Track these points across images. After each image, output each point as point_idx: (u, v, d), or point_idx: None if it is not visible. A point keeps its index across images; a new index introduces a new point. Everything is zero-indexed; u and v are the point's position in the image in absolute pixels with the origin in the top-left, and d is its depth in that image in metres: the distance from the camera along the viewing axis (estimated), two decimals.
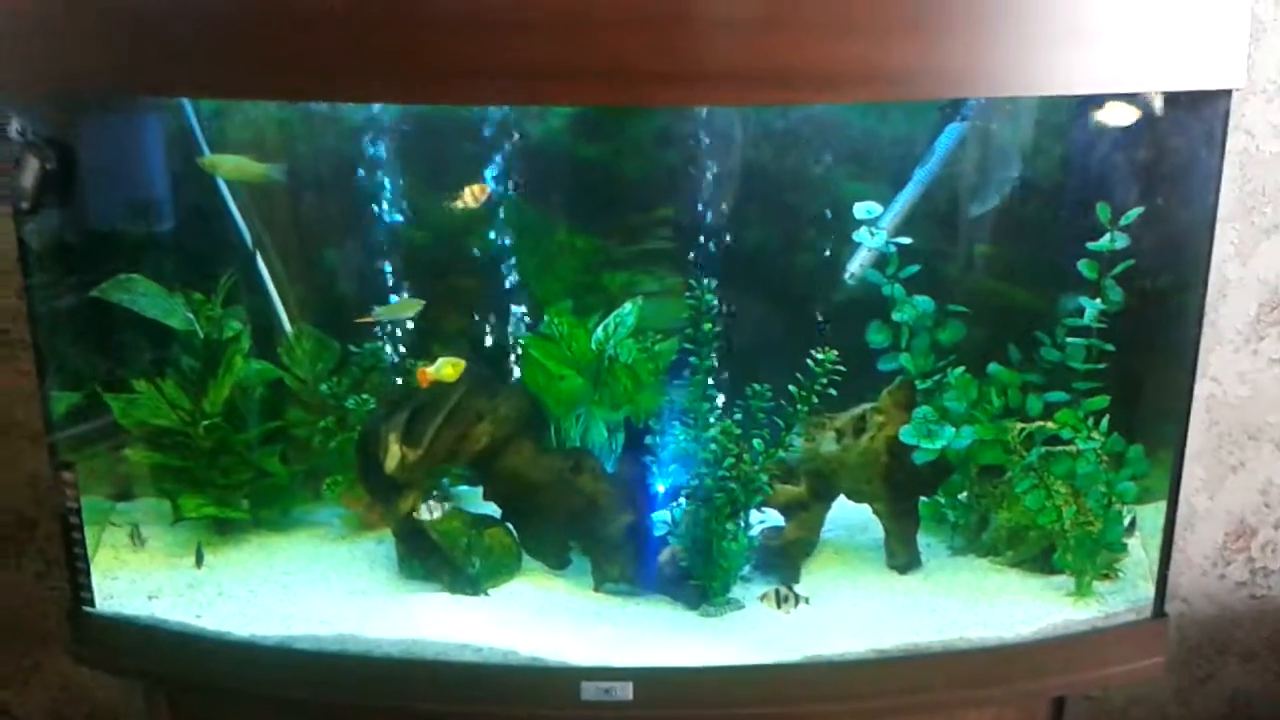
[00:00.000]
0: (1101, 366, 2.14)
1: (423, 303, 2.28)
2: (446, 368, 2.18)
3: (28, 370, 2.61)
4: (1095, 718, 2.88)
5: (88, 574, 2.16)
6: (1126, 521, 2.19)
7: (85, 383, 2.27)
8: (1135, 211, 2.07)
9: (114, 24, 1.79)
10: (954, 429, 2.16)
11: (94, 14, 1.80)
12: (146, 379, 2.28)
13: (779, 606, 2.08)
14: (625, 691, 1.98)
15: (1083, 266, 2.13)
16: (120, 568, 2.26)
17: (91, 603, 2.16)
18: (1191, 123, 2.00)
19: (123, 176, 2.25)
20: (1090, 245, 2.12)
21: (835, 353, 2.08)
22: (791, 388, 2.10)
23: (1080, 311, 2.16)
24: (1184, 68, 1.81)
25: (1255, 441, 2.73)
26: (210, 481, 2.33)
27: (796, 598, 2.08)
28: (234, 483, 2.35)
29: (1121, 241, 2.09)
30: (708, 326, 2.13)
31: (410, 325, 2.38)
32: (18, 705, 2.96)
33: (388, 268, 2.37)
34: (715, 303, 2.14)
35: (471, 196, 2.19)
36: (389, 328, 2.39)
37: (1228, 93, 1.91)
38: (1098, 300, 2.15)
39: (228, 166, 2.22)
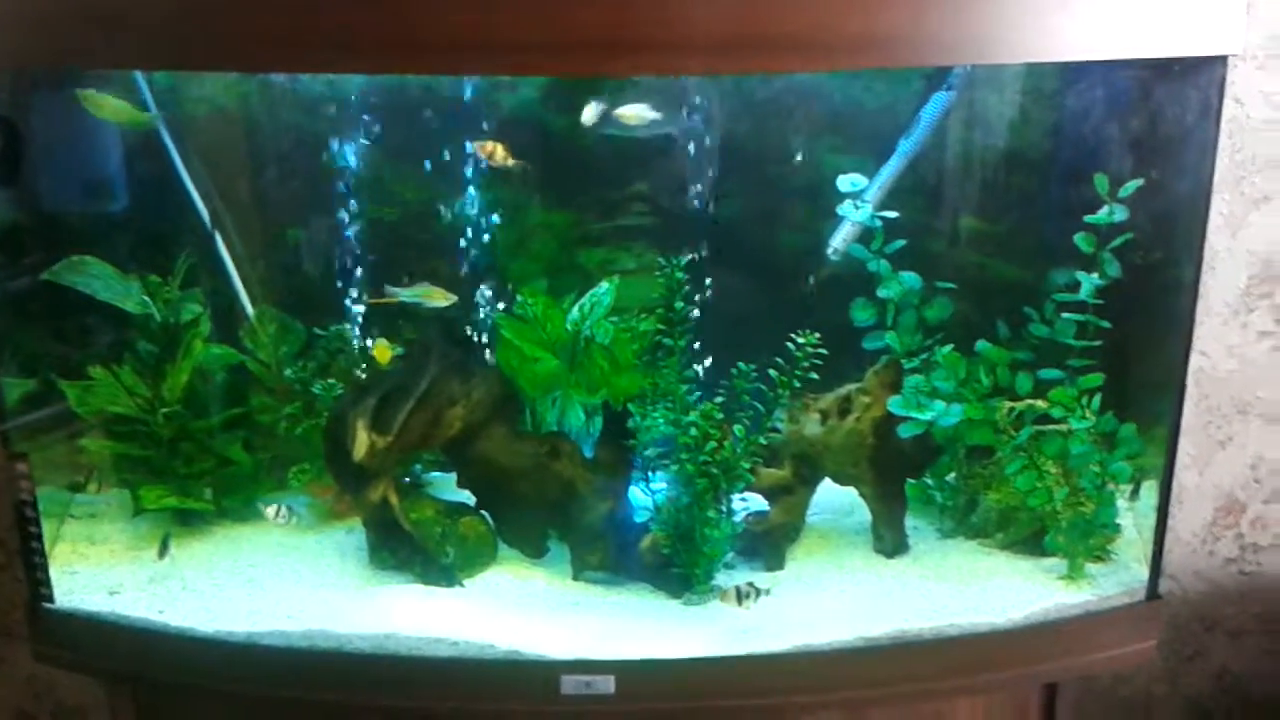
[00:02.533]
0: (1097, 343, 2.08)
1: (454, 298, 2.20)
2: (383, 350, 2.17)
3: None
4: (1082, 697, 2.85)
5: (45, 569, 2.08)
6: (1127, 495, 2.14)
7: (39, 369, 2.19)
8: (1134, 184, 2.01)
9: None
10: (943, 404, 2.10)
11: None
12: (103, 365, 2.20)
13: (740, 603, 2.03)
14: (607, 684, 1.93)
15: (1080, 240, 2.06)
16: (80, 561, 2.18)
17: (50, 598, 2.09)
18: (1186, 90, 1.94)
19: (74, 155, 2.17)
20: (1088, 218, 2.05)
21: (817, 335, 2.02)
22: (772, 371, 2.03)
23: (1071, 287, 2.10)
24: (1179, 33, 1.75)
25: (1244, 416, 2.69)
26: (171, 471, 2.25)
27: (756, 591, 2.03)
28: (196, 472, 2.27)
29: (1120, 214, 2.03)
30: (680, 306, 2.06)
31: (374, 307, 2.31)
32: None
33: (355, 247, 2.30)
34: (692, 280, 2.07)
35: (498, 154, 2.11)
36: (355, 312, 2.31)
37: (1224, 59, 1.85)
38: (1094, 275, 2.08)
39: (108, 108, 2.11)
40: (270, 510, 2.20)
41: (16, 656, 2.84)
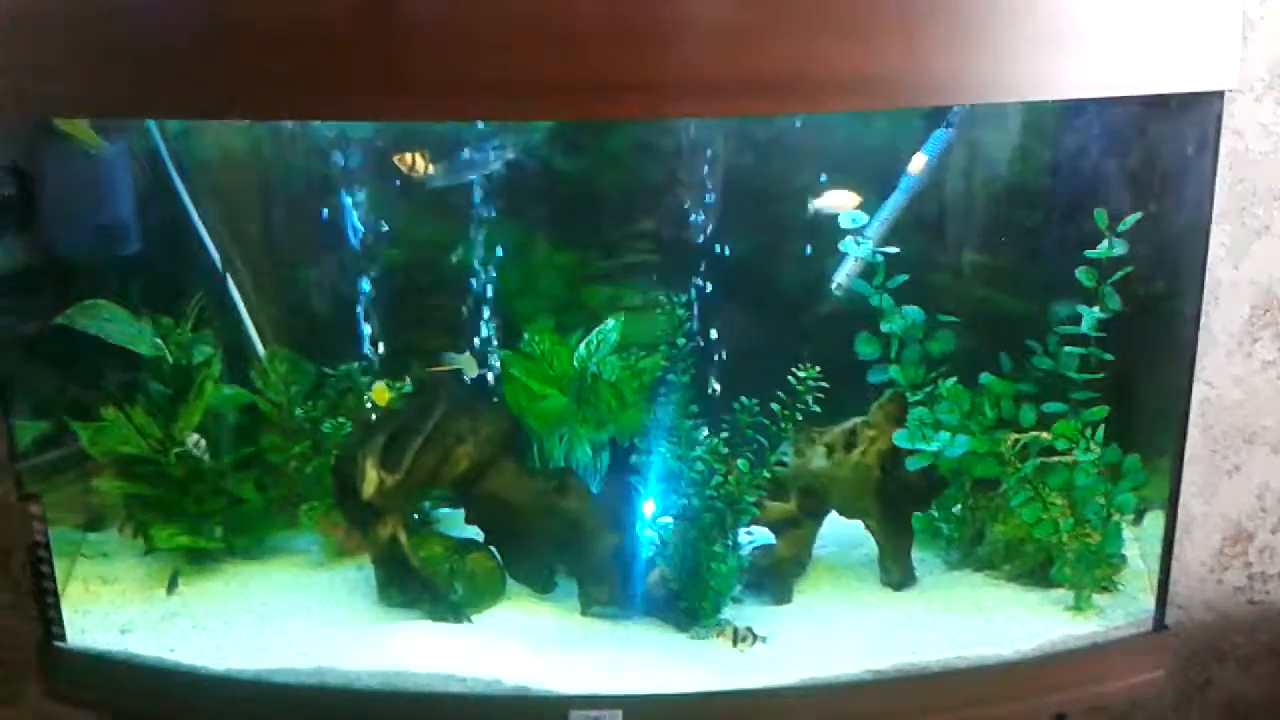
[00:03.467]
0: (1100, 375, 2.09)
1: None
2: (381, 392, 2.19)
3: None
4: None
5: (57, 607, 2.10)
6: (1133, 526, 2.14)
7: (52, 411, 2.21)
8: (1133, 217, 2.02)
9: (84, 46, 1.73)
10: (949, 435, 2.11)
11: (60, 36, 1.74)
12: (115, 406, 2.22)
13: (735, 645, 2.03)
14: (615, 719, 1.92)
15: (1081, 274, 2.08)
16: (92, 601, 2.20)
17: (63, 637, 2.10)
18: (1183, 125, 1.96)
19: (87, 200, 2.19)
20: (1089, 253, 2.07)
21: (817, 368, 2.03)
22: (774, 405, 2.04)
23: (1074, 320, 2.11)
24: (1174, 69, 1.77)
25: (1250, 445, 2.69)
26: (183, 510, 2.27)
27: (754, 636, 2.02)
28: (207, 511, 2.29)
29: (1120, 248, 2.04)
30: (682, 342, 2.08)
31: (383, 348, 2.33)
32: None
33: (364, 287, 2.32)
34: (696, 317, 2.09)
35: (418, 164, 2.12)
36: (367, 350, 2.33)
37: (1220, 94, 1.87)
38: (1095, 308, 2.09)
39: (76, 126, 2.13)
40: (191, 439, 2.20)
41: (29, 695, 2.85)
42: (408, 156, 2.12)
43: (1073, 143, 2.20)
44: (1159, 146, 2.05)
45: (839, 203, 2.16)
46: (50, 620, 2.09)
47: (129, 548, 2.30)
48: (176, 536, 2.24)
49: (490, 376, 2.27)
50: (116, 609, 2.17)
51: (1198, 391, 2.61)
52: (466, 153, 2.21)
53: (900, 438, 2.13)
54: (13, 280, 2.12)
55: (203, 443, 2.21)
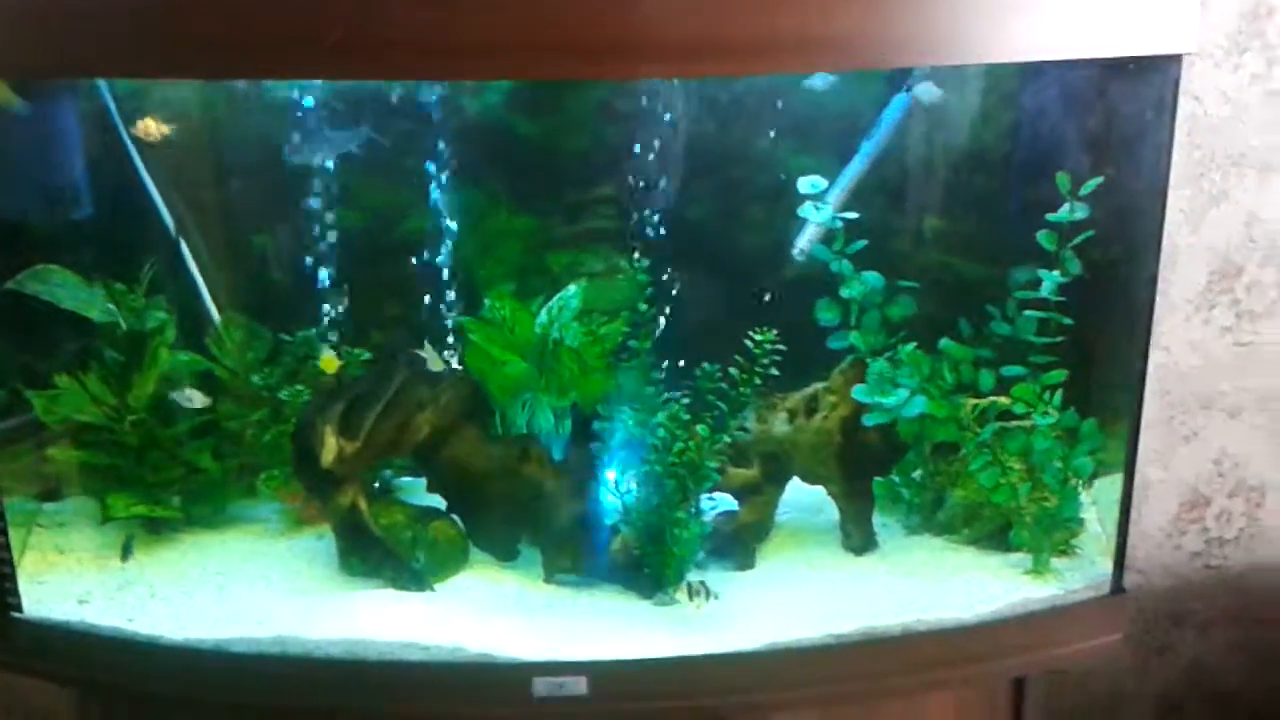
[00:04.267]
0: (1059, 340, 2.10)
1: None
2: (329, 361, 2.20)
3: None
4: (1052, 692, 2.87)
5: (14, 578, 2.07)
6: (1090, 490, 2.16)
7: (5, 379, 2.17)
8: (1095, 181, 2.03)
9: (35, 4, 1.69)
10: (904, 391, 2.11)
11: None
12: (68, 374, 2.19)
13: (691, 599, 2.04)
14: (579, 686, 1.93)
15: (1041, 238, 2.08)
16: (49, 570, 2.17)
17: (19, 607, 2.07)
18: (1141, 89, 1.96)
19: (37, 162, 2.15)
20: (1050, 216, 2.07)
21: (774, 332, 2.02)
22: (732, 370, 2.04)
23: (1032, 284, 2.12)
24: (1132, 32, 1.77)
25: (1207, 411, 2.72)
26: (139, 479, 2.24)
27: (706, 591, 2.04)
28: (164, 480, 2.26)
29: (1081, 212, 2.05)
30: (644, 307, 2.07)
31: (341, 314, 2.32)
32: None
33: (319, 251, 2.30)
34: (657, 283, 2.08)
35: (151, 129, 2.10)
36: (323, 313, 2.31)
37: (1178, 58, 1.87)
38: (1056, 272, 2.10)
39: None
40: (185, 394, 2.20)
41: None
42: (144, 123, 2.09)
43: (1031, 106, 2.21)
44: (1117, 111, 2.05)
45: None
46: (6, 591, 2.06)
47: (86, 517, 2.27)
48: (133, 505, 2.21)
49: (454, 363, 2.25)
50: (74, 579, 2.15)
51: (1155, 357, 2.63)
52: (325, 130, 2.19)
53: (860, 391, 2.13)
54: None
55: (196, 396, 2.17)
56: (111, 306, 2.19)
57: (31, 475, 2.29)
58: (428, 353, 2.15)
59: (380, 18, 1.62)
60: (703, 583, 2.05)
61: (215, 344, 2.31)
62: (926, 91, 2.19)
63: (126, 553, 2.19)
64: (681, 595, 2.05)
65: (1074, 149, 2.12)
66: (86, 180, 2.20)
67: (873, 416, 2.14)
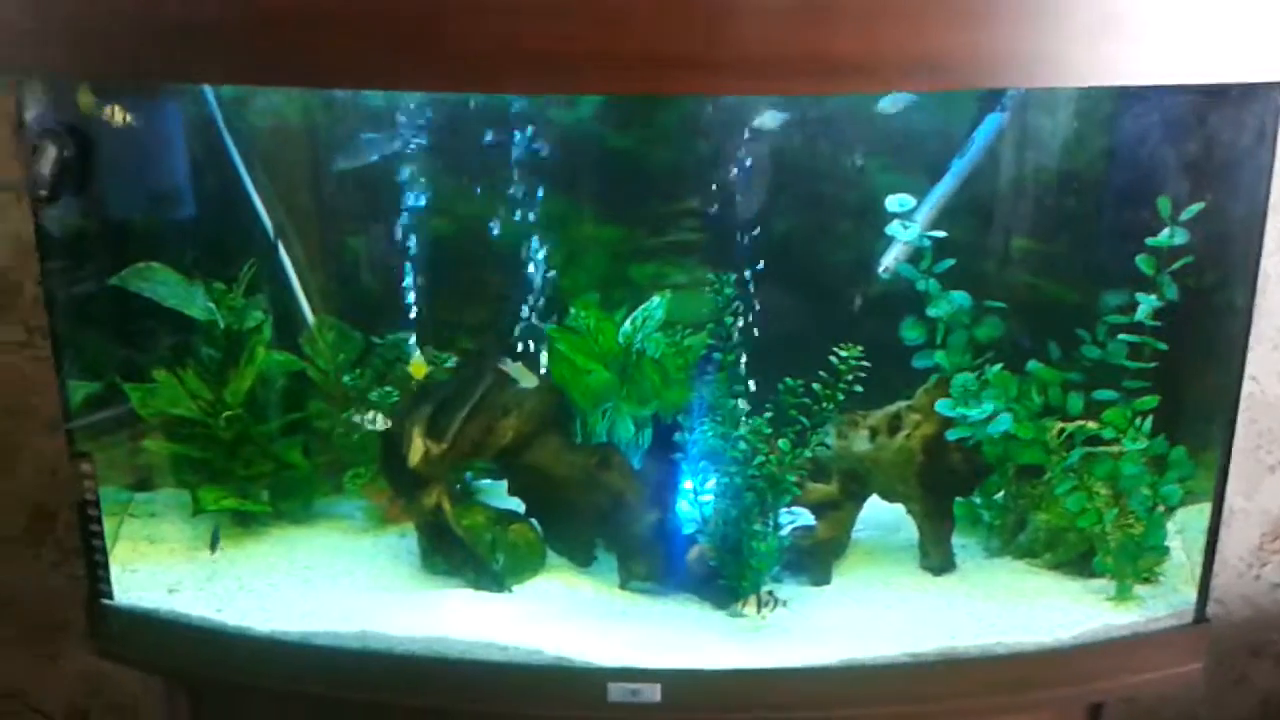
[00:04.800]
0: (1152, 365, 2.07)
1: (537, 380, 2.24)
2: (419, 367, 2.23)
3: (45, 358, 2.59)
4: (1126, 717, 2.83)
5: (106, 566, 2.13)
6: (1175, 518, 2.14)
7: (104, 372, 2.24)
8: (1196, 207, 2.00)
9: (139, 9, 1.73)
10: (992, 405, 2.10)
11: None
12: (166, 369, 2.25)
13: (759, 612, 2.05)
14: (653, 693, 1.94)
15: (1141, 261, 2.06)
16: (139, 560, 2.23)
17: (110, 595, 2.13)
18: (1242, 115, 1.94)
19: (143, 164, 2.21)
20: (1150, 240, 2.05)
21: (860, 349, 2.02)
22: (816, 385, 2.04)
23: (1125, 308, 2.10)
24: (1234, 60, 1.74)
25: None
26: (230, 473, 2.29)
27: (775, 601, 2.05)
28: (254, 474, 2.31)
29: (1181, 237, 2.02)
30: (729, 321, 2.08)
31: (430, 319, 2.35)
32: (36, 696, 2.94)
33: (411, 256, 2.34)
34: (742, 296, 2.09)
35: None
36: (413, 317, 2.35)
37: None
38: (1153, 296, 2.08)
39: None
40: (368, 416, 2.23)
41: (72, 654, 2.89)
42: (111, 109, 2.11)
43: (1128, 130, 2.18)
44: (1215, 137, 2.03)
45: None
46: (98, 579, 2.12)
47: (177, 509, 2.33)
48: (223, 499, 2.27)
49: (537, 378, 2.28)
50: (164, 569, 2.20)
51: (1242, 386, 2.59)
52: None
53: (944, 405, 2.12)
54: (70, 242, 2.14)
55: (379, 418, 2.22)
56: (211, 305, 2.24)
57: (125, 466, 2.35)
58: (515, 370, 2.17)
59: (484, 32, 1.64)
60: (770, 592, 2.06)
61: (309, 344, 2.36)
62: (894, 101, 2.17)
63: (214, 544, 2.24)
64: (748, 608, 2.06)
65: (1171, 174, 2.10)
66: (189, 181, 2.25)
67: (956, 431, 2.13)
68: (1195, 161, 2.06)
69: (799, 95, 2.15)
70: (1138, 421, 2.04)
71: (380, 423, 2.20)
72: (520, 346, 2.33)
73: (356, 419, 2.24)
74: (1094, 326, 2.14)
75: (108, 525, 2.13)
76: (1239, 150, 1.96)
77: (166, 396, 2.25)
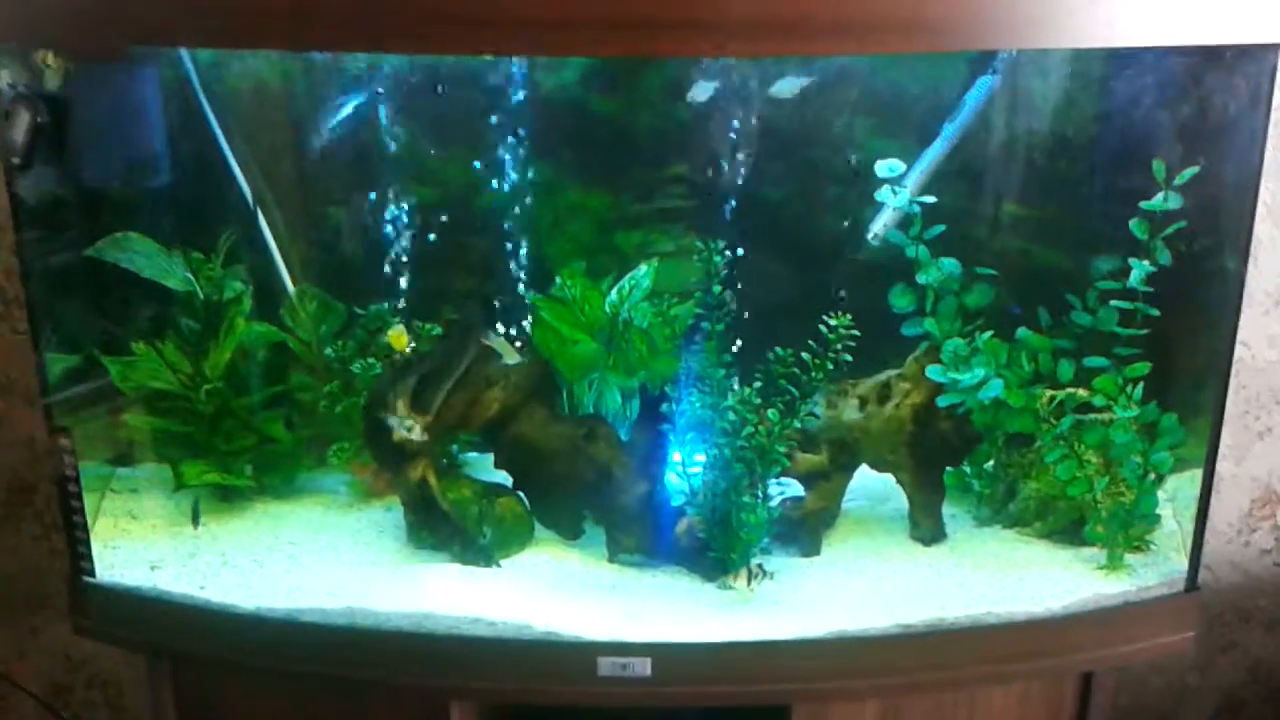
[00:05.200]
0: (1144, 332, 2.06)
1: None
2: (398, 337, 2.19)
3: (23, 330, 2.56)
4: (1116, 685, 2.84)
5: (87, 543, 2.10)
6: (1165, 485, 2.13)
7: (82, 344, 2.20)
8: (1190, 171, 1.98)
9: None
10: (983, 370, 2.08)
11: None
12: (145, 341, 2.21)
13: (749, 584, 2.04)
14: (643, 667, 1.93)
15: (1134, 225, 2.04)
16: (121, 536, 2.20)
17: (92, 572, 2.10)
18: (1236, 78, 1.91)
19: (118, 131, 2.16)
20: (1144, 204, 2.03)
21: (849, 318, 2.00)
22: (805, 355, 2.02)
23: (1116, 274, 2.08)
24: (1230, 21, 1.72)
25: None
26: (212, 447, 2.26)
27: (763, 573, 2.04)
28: (237, 449, 2.28)
29: (1175, 201, 2.00)
30: (718, 289, 2.06)
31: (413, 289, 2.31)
32: (17, 672, 2.91)
33: (393, 225, 2.30)
34: (729, 264, 2.06)
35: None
36: (395, 288, 2.31)
37: (1276, 47, 1.82)
38: (1145, 262, 2.05)
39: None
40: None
41: (53, 629, 2.87)
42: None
43: (1120, 93, 2.16)
44: (1208, 100, 2.00)
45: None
46: (80, 555, 2.10)
47: (159, 484, 2.30)
48: (206, 473, 2.23)
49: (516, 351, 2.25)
50: (146, 545, 2.17)
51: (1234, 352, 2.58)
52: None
53: (935, 371, 2.11)
54: (46, 211, 2.10)
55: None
56: (189, 275, 2.21)
57: (105, 440, 2.31)
58: (499, 344, 2.14)
59: None
60: (760, 565, 2.05)
61: (290, 315, 2.32)
62: (788, 85, 2.16)
63: (196, 518, 2.21)
64: (738, 580, 2.05)
65: (1164, 138, 2.07)
66: (166, 149, 2.21)
67: (947, 397, 2.11)
68: (1188, 125, 2.04)
69: (783, 57, 2.11)
70: (1129, 388, 2.02)
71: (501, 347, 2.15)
72: (504, 318, 2.30)
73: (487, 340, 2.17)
74: (1085, 293, 2.12)
75: (89, 501, 2.09)
76: (1232, 114, 1.94)
77: (146, 370, 2.21)
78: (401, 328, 2.25)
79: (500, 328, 2.27)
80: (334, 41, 1.81)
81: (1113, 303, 2.08)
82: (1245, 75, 1.89)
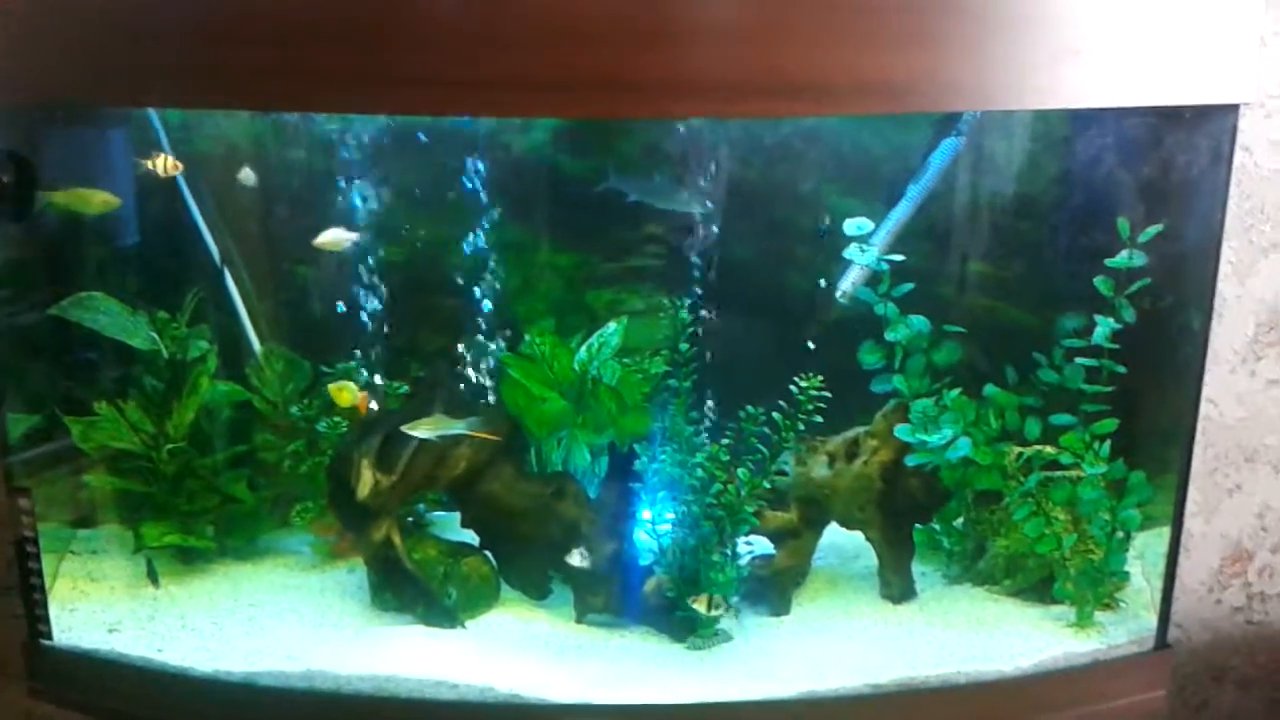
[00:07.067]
0: (1110, 389, 2.06)
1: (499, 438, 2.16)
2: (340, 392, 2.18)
3: None
4: None
5: (45, 606, 2.06)
6: (1134, 543, 2.13)
7: (44, 404, 2.18)
8: (1154, 229, 2.00)
9: (85, 33, 1.71)
10: (952, 430, 2.08)
11: (63, 23, 1.72)
12: (107, 401, 2.19)
13: (708, 610, 2.02)
14: None
15: (1099, 283, 2.06)
16: (79, 598, 2.16)
17: (49, 635, 2.06)
18: (1197, 138, 1.94)
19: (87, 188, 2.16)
20: (1109, 262, 2.05)
21: (820, 378, 2.00)
22: (776, 415, 2.02)
23: (1082, 332, 2.09)
24: (1190, 82, 1.75)
25: (1251, 464, 2.67)
26: (174, 508, 2.23)
27: (726, 604, 2.03)
28: (199, 509, 2.26)
29: (1139, 259, 2.02)
30: (684, 348, 2.06)
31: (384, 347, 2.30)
32: None
33: (362, 285, 2.29)
34: (698, 323, 2.06)
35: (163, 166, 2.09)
36: (366, 350, 2.30)
37: (1235, 108, 1.85)
38: (1110, 319, 2.07)
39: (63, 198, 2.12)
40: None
41: (11, 694, 2.80)
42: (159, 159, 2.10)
43: (1081, 154, 2.18)
44: (1170, 159, 2.03)
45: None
46: (37, 618, 2.06)
47: (119, 545, 2.27)
48: (166, 535, 2.21)
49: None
50: (104, 607, 2.14)
51: (1200, 409, 2.59)
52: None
53: (904, 430, 2.11)
54: (7, 270, 2.09)
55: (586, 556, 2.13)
56: (154, 335, 2.19)
57: (66, 502, 2.28)
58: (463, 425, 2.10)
59: (438, 55, 1.61)
60: (723, 596, 2.02)
61: (256, 374, 2.30)
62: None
63: (153, 576, 2.18)
64: (698, 604, 2.02)
65: (1125, 197, 2.10)
66: (133, 209, 2.20)
67: (916, 457, 2.11)
68: (1151, 184, 2.07)
69: (756, 117, 2.13)
70: (1096, 445, 2.03)
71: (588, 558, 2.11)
72: (469, 378, 2.29)
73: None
74: (1051, 350, 2.13)
75: (47, 563, 2.07)
76: (1194, 173, 1.96)
77: (108, 429, 2.19)
78: (345, 383, 2.23)
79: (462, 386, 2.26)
80: (303, 102, 1.82)
81: (1079, 360, 2.09)
82: (1206, 135, 1.92)
